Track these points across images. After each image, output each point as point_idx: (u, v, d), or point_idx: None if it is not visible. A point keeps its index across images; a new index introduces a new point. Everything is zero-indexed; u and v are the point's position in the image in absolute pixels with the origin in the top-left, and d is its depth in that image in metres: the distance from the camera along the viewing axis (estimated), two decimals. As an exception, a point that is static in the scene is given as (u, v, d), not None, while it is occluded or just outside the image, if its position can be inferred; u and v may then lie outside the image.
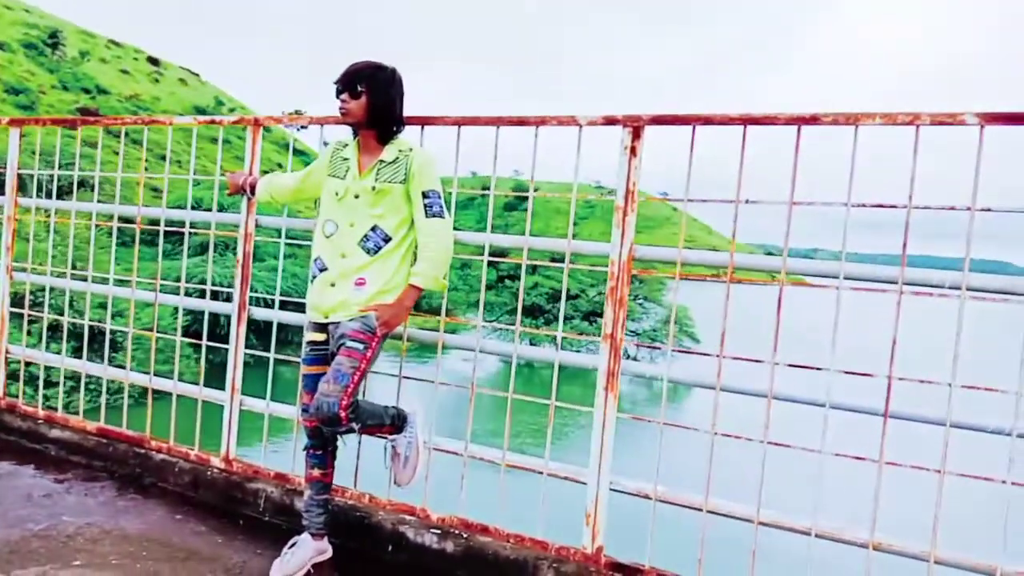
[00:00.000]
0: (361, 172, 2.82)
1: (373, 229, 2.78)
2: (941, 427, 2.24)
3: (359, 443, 3.03)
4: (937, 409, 2.26)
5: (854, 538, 2.34)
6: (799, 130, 2.42)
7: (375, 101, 2.78)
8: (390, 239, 2.79)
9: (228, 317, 3.39)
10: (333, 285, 2.79)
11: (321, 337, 2.85)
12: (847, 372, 2.39)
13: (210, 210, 3.57)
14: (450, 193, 2.94)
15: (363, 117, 2.79)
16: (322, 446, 2.89)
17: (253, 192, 3.28)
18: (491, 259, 2.90)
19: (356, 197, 2.80)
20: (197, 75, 64.79)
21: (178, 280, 3.68)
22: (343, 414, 2.59)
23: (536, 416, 15.28)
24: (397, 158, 2.80)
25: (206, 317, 3.55)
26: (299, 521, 3.09)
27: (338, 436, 2.81)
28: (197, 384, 3.51)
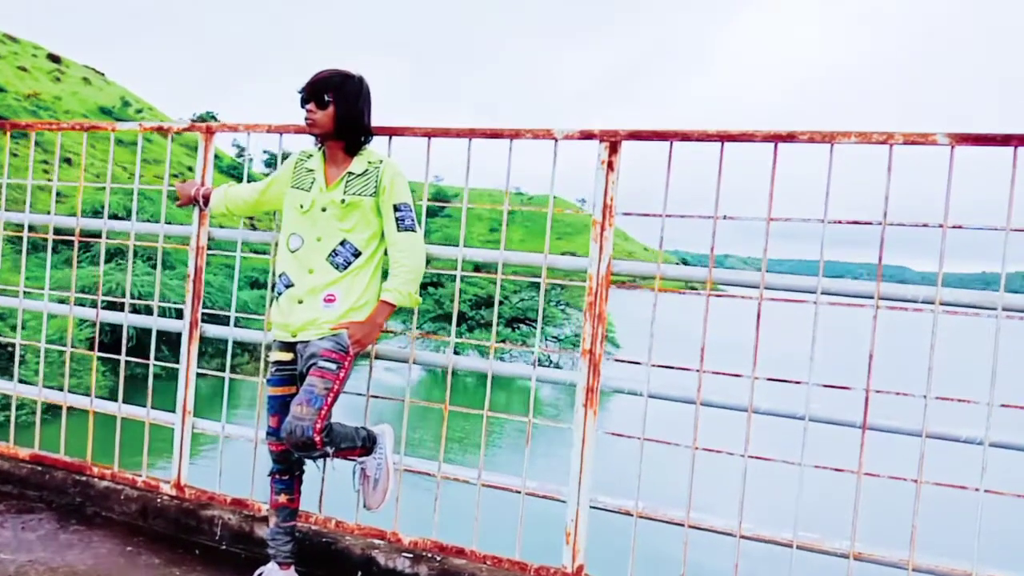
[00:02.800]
0: (328, 184, 2.72)
1: (342, 243, 2.69)
2: (916, 437, 2.31)
3: (323, 466, 2.92)
4: (912, 420, 2.33)
5: (835, 548, 2.38)
6: (776, 147, 2.46)
7: (343, 111, 2.69)
8: (360, 254, 2.70)
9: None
10: (301, 302, 2.68)
11: (288, 357, 2.74)
12: (826, 386, 2.43)
13: (156, 221, 3.39)
14: (419, 205, 2.87)
15: (330, 128, 2.70)
16: (288, 471, 2.77)
17: (207, 203, 3.13)
18: (464, 274, 2.84)
19: (323, 210, 2.70)
20: (102, 74, 61.88)
21: (114, 292, 3.48)
22: (317, 438, 2.49)
23: (463, 423, 15.19)
24: (367, 170, 2.72)
25: (125, 330, 3.37)
26: (259, 549, 2.97)
27: (309, 461, 2.69)
28: (137, 402, 3.32)
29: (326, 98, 2.66)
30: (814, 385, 2.42)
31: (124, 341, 3.32)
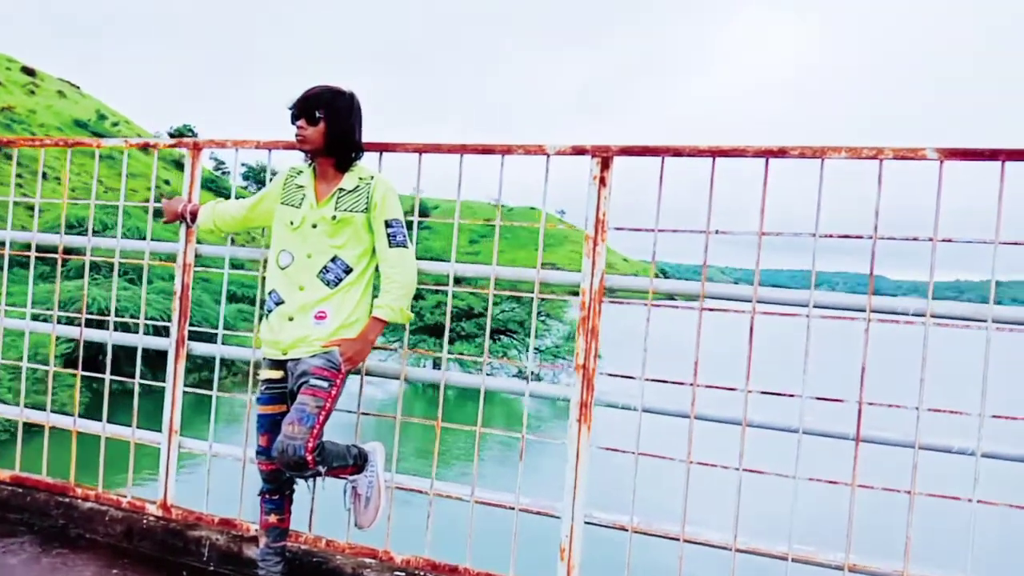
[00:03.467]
0: (319, 200, 2.71)
1: (333, 260, 2.67)
2: (909, 449, 2.32)
3: (314, 484, 2.88)
4: (905, 432, 2.34)
5: (830, 560, 2.39)
6: (767, 162, 2.48)
7: (333, 128, 2.68)
8: (351, 270, 2.68)
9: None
10: (291, 319, 2.66)
11: (278, 375, 2.71)
12: (819, 398, 2.45)
13: (135, 236, 3.35)
14: (410, 222, 2.86)
15: (321, 144, 2.68)
16: (279, 490, 2.74)
17: (194, 220, 3.10)
18: (455, 289, 2.83)
19: (314, 227, 2.68)
20: (77, 87, 61.24)
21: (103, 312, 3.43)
22: (310, 457, 2.46)
23: (445, 436, 15.05)
24: (358, 186, 2.71)
25: (110, 349, 3.32)
26: (248, 570, 2.93)
27: (302, 480, 2.66)
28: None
29: (317, 114, 2.65)
30: (807, 398, 2.43)
31: (108, 359, 3.27)
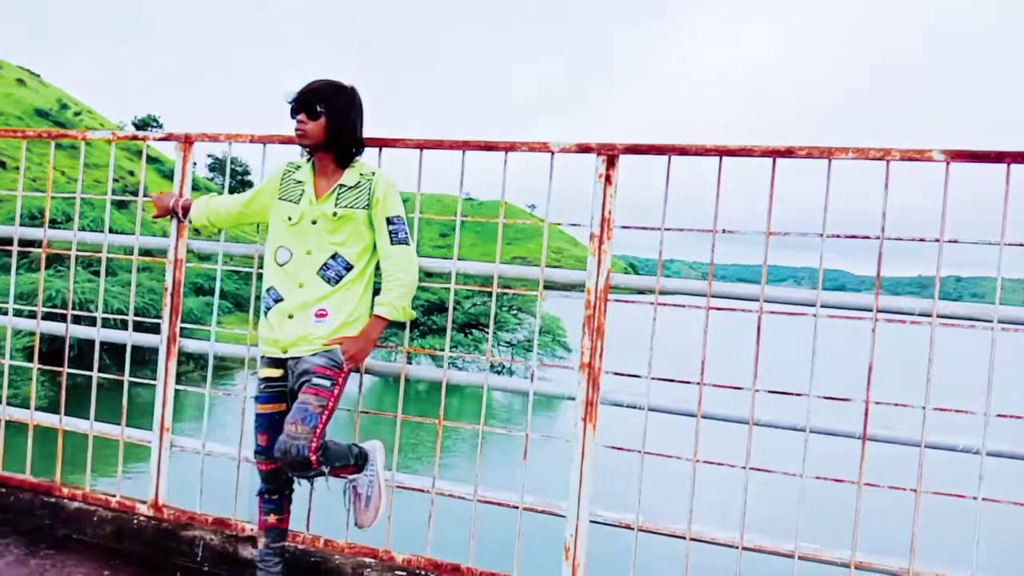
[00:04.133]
0: (319, 196, 2.66)
1: (334, 257, 2.63)
2: (915, 448, 2.35)
3: (312, 483, 2.84)
4: (911, 431, 2.36)
5: (836, 558, 2.41)
6: (774, 162, 2.48)
7: (334, 122, 2.63)
8: (352, 267, 2.64)
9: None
10: (291, 317, 2.61)
11: (277, 373, 2.66)
12: (826, 397, 2.46)
13: (130, 233, 3.28)
14: (411, 218, 2.82)
15: (321, 139, 2.63)
16: (278, 490, 2.70)
17: (185, 215, 3.02)
18: (457, 286, 2.80)
19: (313, 223, 2.64)
20: (37, 76, 59.76)
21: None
22: (313, 457, 2.42)
23: (416, 430, 15.03)
24: (359, 182, 2.66)
25: (97, 345, 3.24)
26: (244, 571, 2.89)
27: (305, 480, 2.61)
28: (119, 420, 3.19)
29: (318, 108, 2.60)
30: (815, 397, 2.44)
31: (96, 355, 3.19)
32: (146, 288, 19.38)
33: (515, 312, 32.99)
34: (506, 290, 2.69)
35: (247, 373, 2.78)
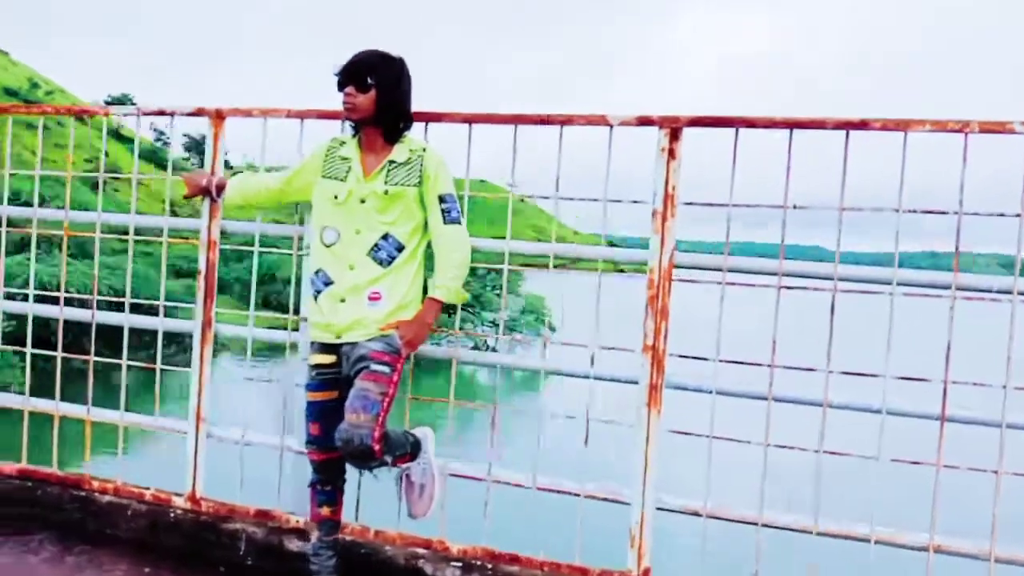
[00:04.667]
0: (367, 174, 2.54)
1: (385, 237, 2.51)
2: (995, 428, 2.29)
3: (361, 473, 2.74)
4: (990, 411, 2.31)
5: (913, 542, 2.35)
6: (847, 135, 2.40)
7: (385, 95, 2.51)
8: (404, 248, 2.53)
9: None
10: (343, 300, 2.50)
11: (330, 359, 2.54)
12: (902, 378, 2.39)
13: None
14: (461, 197, 2.70)
15: (371, 112, 2.51)
16: (331, 481, 2.59)
17: (219, 194, 2.89)
18: (511, 268, 2.70)
19: (362, 201, 2.52)
20: (7, 54, 58.23)
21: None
22: (377, 447, 2.32)
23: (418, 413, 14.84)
24: (409, 159, 2.54)
25: (126, 332, 3.11)
26: (291, 564, 2.80)
27: (367, 470, 2.51)
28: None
29: (368, 80, 2.48)
30: (890, 378, 2.37)
31: (126, 342, 3.05)
32: (142, 277, 18.63)
33: (499, 292, 32.97)
34: (560, 266, 2.59)
35: (293, 359, 2.67)
